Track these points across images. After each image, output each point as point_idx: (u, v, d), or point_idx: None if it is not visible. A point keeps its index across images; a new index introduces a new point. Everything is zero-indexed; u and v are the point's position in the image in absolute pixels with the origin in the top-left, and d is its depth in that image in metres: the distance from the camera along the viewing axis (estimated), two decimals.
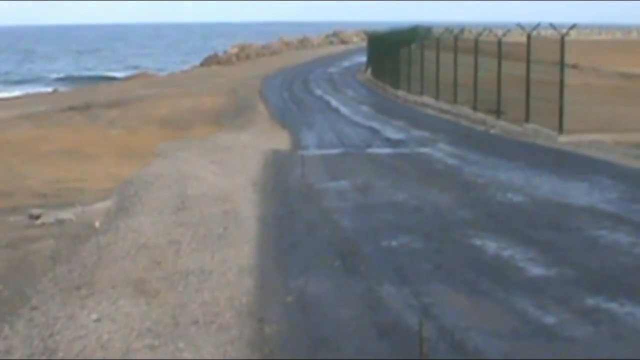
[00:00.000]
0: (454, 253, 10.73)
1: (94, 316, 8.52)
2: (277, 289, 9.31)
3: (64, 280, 9.84)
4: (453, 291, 9.02)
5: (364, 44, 65.01)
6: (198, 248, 11.08)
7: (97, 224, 12.89)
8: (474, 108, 28.08)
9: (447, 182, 16.02)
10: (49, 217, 13.70)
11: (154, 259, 10.51)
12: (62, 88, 60.32)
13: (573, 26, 24.21)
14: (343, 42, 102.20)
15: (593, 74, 41.86)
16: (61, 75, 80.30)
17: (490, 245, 11.02)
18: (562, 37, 22.48)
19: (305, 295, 9.06)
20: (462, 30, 32.98)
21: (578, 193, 14.71)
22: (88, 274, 9.99)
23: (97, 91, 48.33)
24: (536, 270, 9.84)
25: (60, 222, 13.34)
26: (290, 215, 13.26)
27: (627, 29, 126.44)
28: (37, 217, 13.66)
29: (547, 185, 15.49)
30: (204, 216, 13.10)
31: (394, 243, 11.28)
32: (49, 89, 58.87)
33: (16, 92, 58.99)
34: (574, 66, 39.13)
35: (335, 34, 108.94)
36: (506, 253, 10.65)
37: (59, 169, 18.51)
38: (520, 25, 25.29)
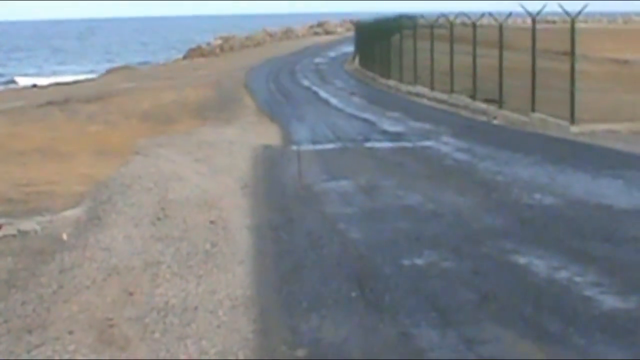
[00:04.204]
0: (497, 276, 8.62)
1: None
2: (283, 335, 7.14)
3: (15, 317, 7.91)
4: (515, 336, 6.84)
5: (349, 34, 63.35)
6: (180, 272, 9.02)
7: (64, 236, 11.07)
8: (473, 97, 26.61)
9: (463, 181, 14.15)
10: (11, 228, 11.90)
11: (125, 289, 8.46)
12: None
13: (584, 7, 22.64)
14: (327, 32, 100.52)
15: (585, 61, 40.55)
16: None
17: (538, 265, 8.93)
18: (572, 21, 21.29)
19: (320, 347, 6.86)
20: (454, 18, 31.49)
21: (615, 192, 12.86)
22: (44, 309, 7.99)
23: (78, 85, 46.69)
24: (610, 301, 7.70)
25: (23, 234, 11.57)
26: (288, 224, 11.29)
27: (611, 16, 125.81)
28: None
29: (577, 184, 13.65)
30: (187, 227, 11.16)
31: (419, 261, 9.23)
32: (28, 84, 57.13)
33: None
34: (566, 53, 37.77)
35: (319, 25, 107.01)
36: (562, 275, 8.54)
37: (31, 170, 16.82)
38: (524, 8, 23.65)
